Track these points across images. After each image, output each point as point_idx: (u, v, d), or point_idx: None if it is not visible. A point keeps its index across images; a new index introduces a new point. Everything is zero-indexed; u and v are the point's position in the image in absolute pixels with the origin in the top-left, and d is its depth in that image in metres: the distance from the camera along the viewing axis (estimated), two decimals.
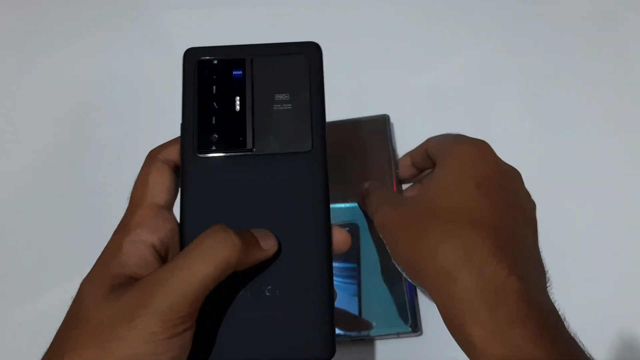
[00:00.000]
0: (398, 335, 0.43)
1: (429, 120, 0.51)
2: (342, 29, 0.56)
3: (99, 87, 0.55)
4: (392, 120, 0.49)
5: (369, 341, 0.44)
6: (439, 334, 0.44)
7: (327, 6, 0.58)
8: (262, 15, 0.58)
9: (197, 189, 0.28)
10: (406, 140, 0.48)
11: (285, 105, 0.29)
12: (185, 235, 0.28)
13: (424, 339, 0.44)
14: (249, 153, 0.29)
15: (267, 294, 0.27)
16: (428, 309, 0.44)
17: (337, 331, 0.44)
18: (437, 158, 0.36)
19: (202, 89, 0.30)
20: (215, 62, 0.30)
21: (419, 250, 0.30)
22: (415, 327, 0.43)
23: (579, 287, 0.43)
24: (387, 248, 0.35)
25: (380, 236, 0.35)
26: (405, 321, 0.43)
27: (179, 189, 0.29)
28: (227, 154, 0.29)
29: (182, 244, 0.28)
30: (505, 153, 0.52)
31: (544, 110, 0.52)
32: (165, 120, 0.55)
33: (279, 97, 0.29)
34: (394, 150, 0.48)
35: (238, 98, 0.29)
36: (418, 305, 0.44)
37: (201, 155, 0.29)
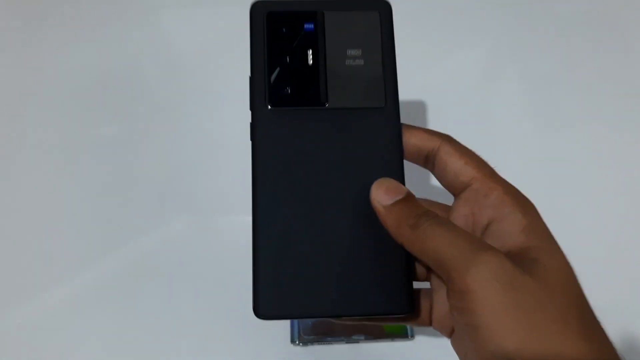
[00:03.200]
0: (392, 339, 0.45)
1: (428, 120, 0.51)
2: None
3: (98, 87, 0.55)
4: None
5: (362, 345, 0.45)
6: (430, 338, 0.45)
7: None
8: None
9: (270, 142, 0.28)
10: None
11: (357, 60, 0.29)
12: (258, 187, 0.28)
13: (415, 343, 0.45)
14: (322, 107, 0.28)
15: (345, 249, 0.27)
16: None
17: (330, 337, 0.45)
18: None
19: (272, 41, 0.29)
20: (286, 14, 0.29)
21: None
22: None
23: None
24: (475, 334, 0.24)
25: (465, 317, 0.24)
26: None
27: (251, 141, 0.28)
28: (300, 108, 0.28)
29: (255, 198, 0.28)
30: (506, 153, 0.52)
31: (544, 110, 0.52)
32: (165, 120, 0.55)
33: (351, 52, 0.29)
34: None
35: (310, 51, 0.29)
36: None
37: (273, 109, 0.28)
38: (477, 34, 0.55)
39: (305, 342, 0.44)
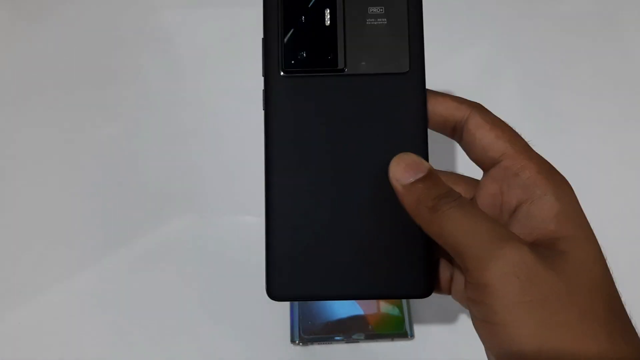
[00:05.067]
0: (392, 339, 0.45)
1: None
2: None
3: (98, 86, 0.55)
4: None
5: (362, 345, 0.45)
6: (430, 338, 0.45)
7: None
8: (261, 15, 0.58)
9: (283, 112, 0.26)
10: None
11: (380, 19, 0.26)
12: (271, 161, 0.26)
13: (415, 343, 0.45)
14: (340, 73, 0.26)
15: (362, 227, 0.26)
16: (418, 315, 0.45)
17: (330, 337, 0.45)
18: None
19: (287, 1, 0.27)
20: None
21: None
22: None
23: None
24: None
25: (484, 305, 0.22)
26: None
27: (263, 109, 0.27)
28: (316, 74, 0.26)
29: (268, 174, 0.26)
30: None
31: (544, 110, 0.52)
32: (165, 120, 0.55)
33: (373, 10, 0.26)
34: None
35: (328, 10, 0.26)
36: (410, 311, 0.45)
37: (287, 75, 0.26)
38: (477, 34, 0.55)
39: (305, 342, 0.44)
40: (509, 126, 0.26)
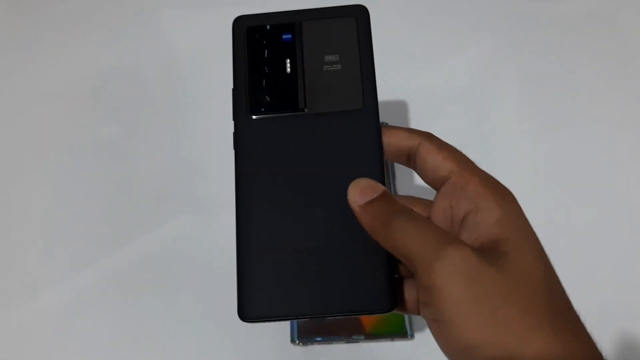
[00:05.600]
0: (392, 339, 0.45)
1: (428, 121, 0.51)
2: None
3: (98, 86, 0.55)
4: (390, 123, 0.48)
5: (362, 345, 0.45)
6: (430, 338, 0.45)
7: None
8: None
9: (252, 150, 0.29)
10: None
11: (335, 65, 0.30)
12: (240, 192, 0.28)
13: (415, 343, 0.45)
14: (301, 113, 0.29)
15: (327, 250, 0.28)
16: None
17: (330, 337, 0.45)
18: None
19: (253, 53, 0.30)
20: (265, 27, 0.31)
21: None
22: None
23: (579, 287, 0.43)
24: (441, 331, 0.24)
25: (431, 314, 0.24)
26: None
27: (234, 150, 0.30)
28: (280, 115, 0.29)
29: (238, 205, 0.29)
30: (506, 153, 0.52)
31: (544, 110, 0.52)
32: (165, 120, 0.55)
33: (329, 58, 0.30)
34: (392, 163, 0.48)
35: (288, 60, 0.30)
36: None
37: (254, 117, 0.29)
38: (476, 35, 0.55)
39: (305, 342, 0.44)
40: (455, 148, 0.28)
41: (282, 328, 0.45)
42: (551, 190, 0.48)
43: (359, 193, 0.26)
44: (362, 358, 0.45)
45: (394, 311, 0.28)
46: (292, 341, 0.45)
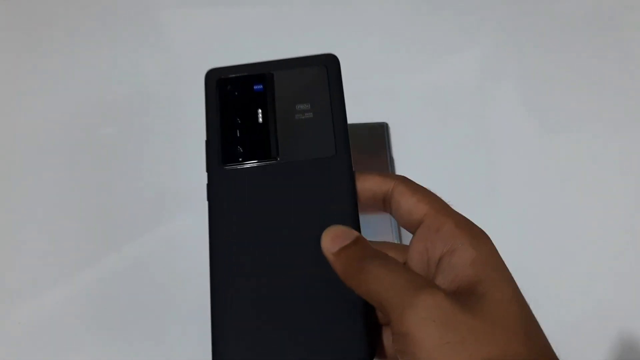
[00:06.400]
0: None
1: (429, 122, 0.51)
2: (340, 31, 0.56)
3: (98, 87, 0.55)
4: (390, 123, 0.48)
5: None
6: None
7: (325, 9, 0.58)
8: (261, 15, 0.58)
9: (225, 200, 0.29)
10: (406, 144, 0.47)
11: (306, 114, 0.30)
12: (214, 243, 0.29)
13: None
14: (274, 162, 0.29)
15: (303, 299, 0.28)
16: None
17: None
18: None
19: (225, 105, 0.30)
20: (236, 79, 0.31)
21: None
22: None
23: (580, 287, 0.43)
24: None
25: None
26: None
27: (207, 200, 0.30)
28: (253, 164, 0.29)
29: (212, 255, 0.29)
30: (506, 153, 0.52)
31: (543, 110, 0.52)
32: (164, 120, 0.55)
33: (300, 107, 0.30)
34: (391, 160, 0.47)
35: (260, 110, 0.30)
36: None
37: (227, 167, 0.29)
38: (477, 35, 0.55)
39: None
40: (429, 191, 0.28)
41: None
42: (551, 189, 0.48)
43: (332, 240, 0.26)
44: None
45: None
46: None
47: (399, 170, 0.49)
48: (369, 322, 0.27)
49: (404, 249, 0.29)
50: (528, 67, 0.54)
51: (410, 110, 0.51)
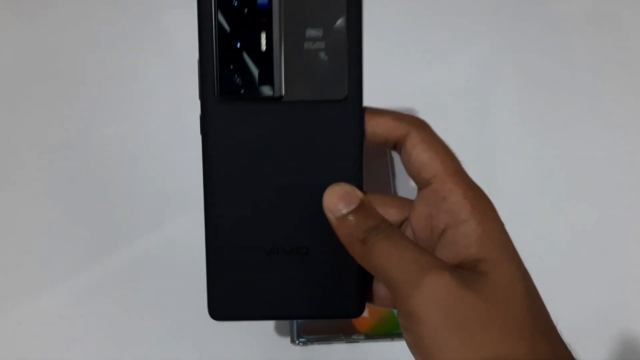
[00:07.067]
0: (392, 339, 0.44)
1: (428, 122, 0.51)
2: None
3: (98, 87, 0.55)
4: None
5: (362, 345, 0.45)
6: None
7: None
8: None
9: (220, 139, 0.26)
10: None
11: (318, 42, 0.26)
12: (208, 187, 0.27)
13: None
14: (277, 99, 0.26)
15: (297, 251, 0.27)
16: None
17: (330, 337, 0.44)
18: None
19: (222, 22, 0.25)
20: None
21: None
22: None
23: (579, 287, 0.43)
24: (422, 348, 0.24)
25: (409, 326, 0.24)
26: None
27: (200, 134, 0.27)
28: (253, 100, 0.26)
29: (207, 198, 0.27)
30: (506, 153, 0.52)
31: (543, 110, 0.52)
32: (165, 120, 0.55)
33: (311, 32, 0.25)
34: (392, 159, 0.47)
35: (264, 34, 0.25)
36: None
37: (224, 100, 0.26)
38: (476, 35, 0.55)
39: (305, 342, 0.44)
40: (445, 146, 0.27)
41: (282, 328, 0.45)
42: (551, 190, 0.48)
43: (336, 202, 0.25)
44: (362, 358, 0.45)
45: (368, 304, 0.28)
46: (292, 341, 0.45)
47: (399, 170, 0.49)
48: (361, 280, 0.27)
49: (407, 204, 0.28)
50: (528, 67, 0.54)
51: (410, 111, 0.51)
